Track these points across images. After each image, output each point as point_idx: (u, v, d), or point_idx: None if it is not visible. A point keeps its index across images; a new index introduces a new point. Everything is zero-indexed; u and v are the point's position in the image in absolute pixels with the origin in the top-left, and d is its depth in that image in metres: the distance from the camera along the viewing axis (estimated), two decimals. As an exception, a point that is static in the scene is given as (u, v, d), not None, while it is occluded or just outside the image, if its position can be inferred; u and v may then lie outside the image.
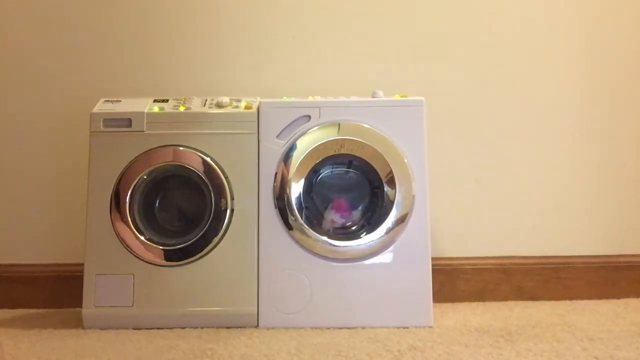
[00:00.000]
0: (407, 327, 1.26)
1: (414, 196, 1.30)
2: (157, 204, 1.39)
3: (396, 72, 1.65)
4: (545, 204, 1.63)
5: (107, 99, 1.40)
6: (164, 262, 1.30)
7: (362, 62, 1.66)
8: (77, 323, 1.30)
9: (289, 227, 1.30)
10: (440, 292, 1.53)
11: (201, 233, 1.30)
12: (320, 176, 1.39)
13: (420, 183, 1.31)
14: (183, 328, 1.27)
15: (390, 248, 1.29)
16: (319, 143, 1.31)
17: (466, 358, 1.03)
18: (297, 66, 1.66)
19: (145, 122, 1.34)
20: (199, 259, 1.30)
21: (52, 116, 1.62)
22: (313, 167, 1.32)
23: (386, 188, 1.31)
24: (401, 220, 1.29)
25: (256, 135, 1.34)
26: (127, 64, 1.65)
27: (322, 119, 1.33)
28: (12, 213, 1.61)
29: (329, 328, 1.26)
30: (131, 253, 1.30)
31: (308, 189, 1.34)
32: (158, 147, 1.33)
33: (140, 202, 1.33)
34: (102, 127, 1.34)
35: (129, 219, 1.30)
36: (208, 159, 1.33)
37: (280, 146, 1.33)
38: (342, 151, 1.32)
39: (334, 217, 1.37)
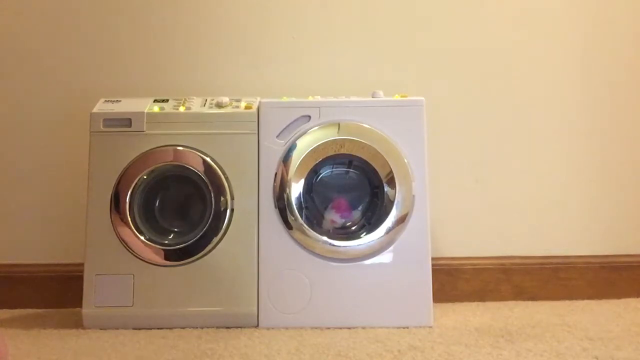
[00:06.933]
0: (407, 327, 1.26)
1: (414, 196, 1.30)
2: (157, 204, 1.38)
3: (396, 72, 1.65)
4: (545, 204, 1.63)
5: (107, 99, 1.40)
6: (164, 262, 1.30)
7: (362, 62, 1.66)
8: (77, 323, 1.30)
9: (289, 227, 1.30)
10: (440, 292, 1.53)
11: (201, 233, 1.30)
12: (320, 176, 1.39)
13: (420, 183, 1.31)
14: (183, 328, 1.27)
15: (390, 248, 1.29)
16: (319, 143, 1.31)
17: (466, 358, 1.03)
18: (297, 66, 1.65)
19: (145, 122, 1.34)
20: (199, 259, 1.30)
21: (52, 116, 1.62)
22: (313, 167, 1.32)
23: (386, 188, 1.31)
24: (401, 220, 1.29)
25: (256, 135, 1.34)
26: (127, 64, 1.65)
27: (322, 119, 1.33)
28: (12, 213, 1.61)
29: (329, 328, 1.26)
30: (131, 253, 1.30)
31: (308, 189, 1.34)
32: (158, 147, 1.33)
33: (140, 202, 1.33)
34: (102, 127, 1.34)
35: (129, 218, 1.30)
36: (208, 159, 1.33)
37: (280, 146, 1.33)
38: (342, 151, 1.32)
39: (334, 217, 1.37)
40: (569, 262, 1.59)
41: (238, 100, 1.40)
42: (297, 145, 1.32)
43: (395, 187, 1.30)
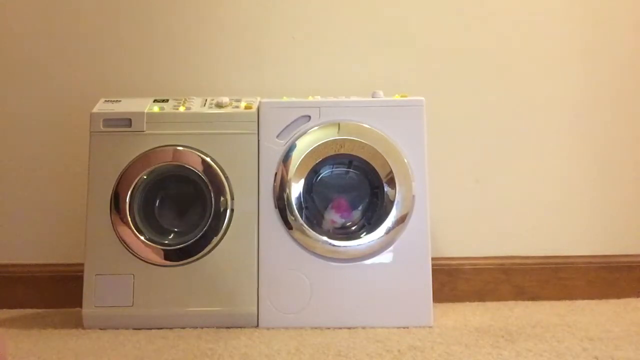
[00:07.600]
0: (407, 327, 1.26)
1: (414, 196, 1.30)
2: (157, 204, 1.39)
3: (396, 72, 1.65)
4: (545, 204, 1.63)
5: (107, 99, 1.40)
6: (164, 262, 1.30)
7: (362, 62, 1.66)
8: (77, 323, 1.30)
9: (289, 227, 1.30)
10: (440, 292, 1.53)
11: (201, 233, 1.30)
12: (320, 176, 1.39)
13: (420, 183, 1.31)
14: (183, 328, 1.27)
15: (390, 248, 1.29)
16: (319, 143, 1.31)
17: (466, 358, 1.03)
18: (297, 66, 1.66)
19: (145, 122, 1.34)
20: (198, 259, 1.30)
21: (52, 116, 1.62)
22: (313, 167, 1.32)
23: (386, 188, 1.31)
24: (401, 220, 1.29)
25: (256, 135, 1.34)
26: (127, 64, 1.65)
27: (322, 119, 1.33)
28: (12, 213, 1.61)
29: (329, 328, 1.26)
30: (131, 253, 1.30)
31: (308, 188, 1.34)
32: (158, 147, 1.33)
33: (140, 202, 1.33)
34: (102, 127, 1.34)
35: (129, 219, 1.30)
36: (208, 159, 1.33)
37: (280, 146, 1.33)
38: (342, 151, 1.32)
39: (334, 217, 1.37)
40: (569, 262, 1.59)
41: (238, 100, 1.40)
42: (297, 145, 1.32)
43: (395, 187, 1.30)
